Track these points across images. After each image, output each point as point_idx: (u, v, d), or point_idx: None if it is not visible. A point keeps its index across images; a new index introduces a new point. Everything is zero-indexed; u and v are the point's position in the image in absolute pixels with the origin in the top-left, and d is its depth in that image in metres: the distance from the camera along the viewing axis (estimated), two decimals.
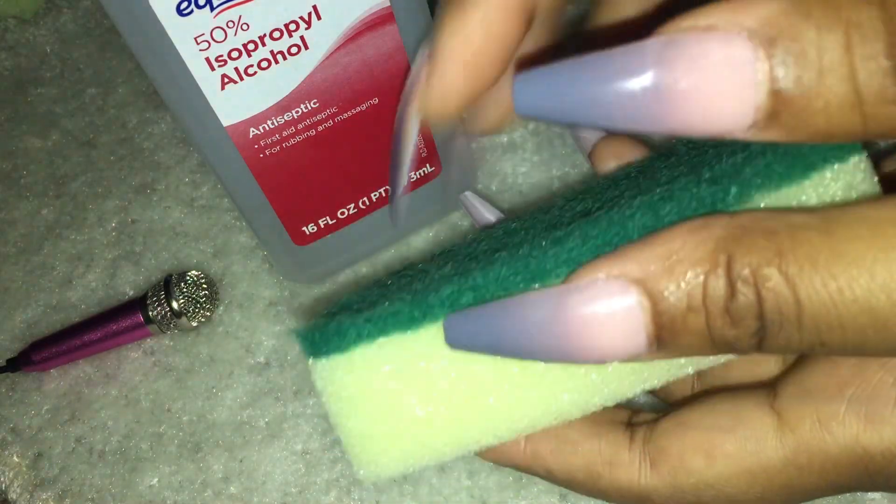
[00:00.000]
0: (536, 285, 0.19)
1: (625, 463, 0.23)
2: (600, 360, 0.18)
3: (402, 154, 0.23)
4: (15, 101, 0.49)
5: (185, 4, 0.25)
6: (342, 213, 0.35)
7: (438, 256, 0.25)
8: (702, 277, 0.17)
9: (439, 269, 0.22)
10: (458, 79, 0.21)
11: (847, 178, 0.19)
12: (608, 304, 0.17)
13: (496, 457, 0.24)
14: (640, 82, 0.16)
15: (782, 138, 0.16)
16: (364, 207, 0.35)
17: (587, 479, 0.23)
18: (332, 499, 0.33)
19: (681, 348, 0.18)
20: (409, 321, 0.21)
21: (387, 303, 0.21)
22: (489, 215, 0.33)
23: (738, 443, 0.21)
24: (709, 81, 0.15)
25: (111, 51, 0.49)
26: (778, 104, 0.15)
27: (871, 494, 0.29)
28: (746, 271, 0.16)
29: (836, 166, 0.19)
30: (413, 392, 0.21)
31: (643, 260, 0.17)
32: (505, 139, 0.41)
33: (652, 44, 0.16)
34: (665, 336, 0.17)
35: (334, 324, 0.21)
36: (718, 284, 0.17)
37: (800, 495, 0.21)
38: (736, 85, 0.15)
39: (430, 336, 0.20)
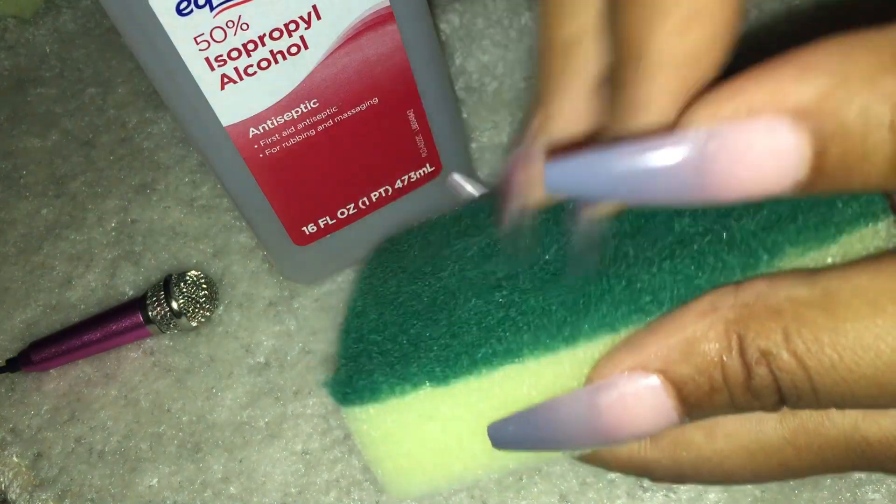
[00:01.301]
0: (561, 349, 0.21)
1: None
2: (636, 440, 0.20)
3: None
4: (14, 101, 0.49)
5: (184, 4, 0.25)
6: (342, 213, 0.34)
7: (451, 257, 0.26)
8: (718, 361, 0.18)
9: (464, 304, 0.23)
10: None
11: (874, 241, 0.20)
12: (636, 397, 0.19)
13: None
14: (684, 172, 0.16)
15: (807, 194, 0.17)
16: (364, 207, 0.35)
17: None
18: (332, 499, 0.33)
19: (708, 415, 0.20)
20: (442, 379, 0.22)
21: (417, 364, 0.22)
22: (475, 193, 0.34)
23: (739, 422, 0.22)
24: (753, 170, 0.16)
25: (111, 51, 0.49)
26: (818, 176, 0.16)
27: (871, 494, 0.29)
28: (758, 354, 0.18)
29: (864, 230, 0.20)
30: (440, 432, 0.23)
31: (661, 349, 0.19)
32: (505, 139, 0.41)
33: (693, 136, 0.16)
34: (693, 411, 0.19)
35: (366, 380, 0.23)
36: (735, 365, 0.18)
37: (796, 473, 0.22)
38: (779, 169, 0.16)
39: (458, 388, 0.22)
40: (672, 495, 0.31)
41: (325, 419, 0.35)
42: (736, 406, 0.19)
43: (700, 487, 0.30)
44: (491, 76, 0.43)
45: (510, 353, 0.21)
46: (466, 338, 0.22)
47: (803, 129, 0.15)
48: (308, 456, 0.34)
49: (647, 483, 0.31)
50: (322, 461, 0.34)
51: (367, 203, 0.35)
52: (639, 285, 0.20)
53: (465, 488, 0.32)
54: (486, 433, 0.22)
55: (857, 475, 0.30)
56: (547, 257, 0.24)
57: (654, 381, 0.19)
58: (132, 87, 0.47)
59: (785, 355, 0.17)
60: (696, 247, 0.20)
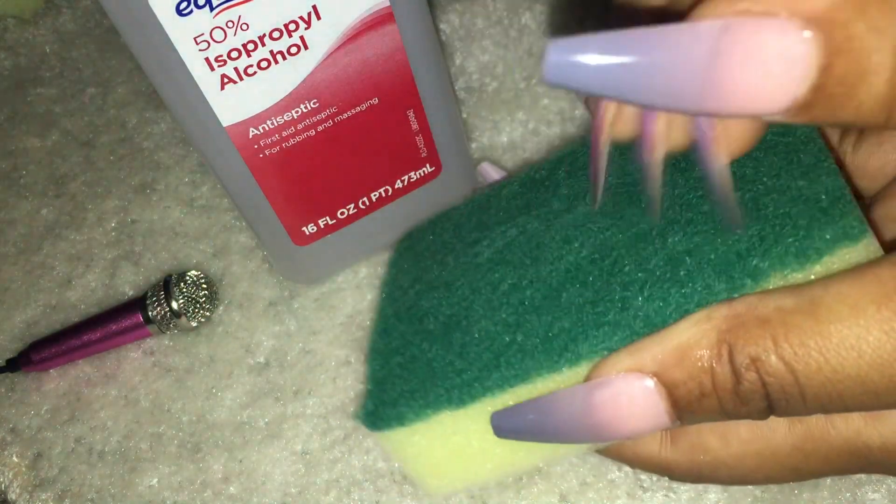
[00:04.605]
0: (564, 369, 0.22)
1: (647, 437, 0.25)
2: (629, 439, 0.21)
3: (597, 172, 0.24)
4: (14, 101, 0.49)
5: (184, 4, 0.25)
6: (342, 213, 0.34)
7: (459, 273, 0.28)
8: (708, 368, 0.19)
9: (475, 324, 0.26)
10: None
11: (854, 260, 0.20)
12: (630, 397, 0.20)
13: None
14: (691, 65, 0.16)
15: (805, 122, 0.16)
16: (364, 207, 0.35)
17: (614, 447, 0.26)
18: (331, 499, 0.33)
19: (700, 420, 0.20)
20: (459, 403, 0.24)
21: (435, 392, 0.25)
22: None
23: (751, 429, 0.23)
24: (761, 73, 0.15)
25: (111, 51, 0.49)
26: (817, 96, 0.15)
27: (871, 494, 0.29)
28: (747, 361, 0.19)
29: (843, 250, 0.20)
30: (464, 442, 0.25)
31: (657, 354, 0.20)
32: (505, 139, 0.41)
33: (708, 27, 0.15)
34: (684, 415, 0.20)
35: (391, 410, 0.25)
36: (724, 371, 0.19)
37: (804, 476, 0.23)
38: (785, 78, 0.15)
39: (475, 408, 0.24)
40: (672, 495, 0.31)
41: (325, 419, 0.35)
42: (725, 411, 0.20)
43: (700, 487, 0.30)
44: (491, 76, 0.43)
45: (518, 377, 0.23)
46: (478, 363, 0.24)
47: (814, 36, 0.15)
48: (308, 456, 0.34)
49: (646, 483, 0.31)
50: (322, 461, 0.34)
51: (367, 203, 0.35)
52: (632, 312, 0.22)
53: (464, 488, 0.32)
54: (503, 445, 0.24)
55: (857, 475, 0.30)
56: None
57: (649, 382, 0.20)
58: (132, 87, 0.47)
59: (773, 360, 0.18)
60: (683, 272, 0.21)
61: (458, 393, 0.24)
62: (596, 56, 0.16)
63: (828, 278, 0.19)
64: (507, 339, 0.24)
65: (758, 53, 0.15)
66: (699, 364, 0.19)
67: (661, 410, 0.20)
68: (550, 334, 0.23)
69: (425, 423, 0.25)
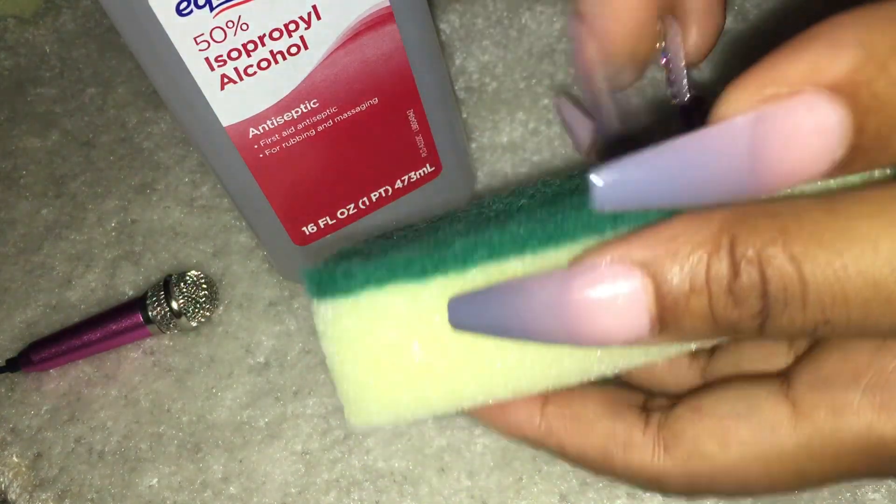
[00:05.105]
0: (551, 248, 0.20)
1: (639, 445, 0.23)
2: (603, 344, 0.18)
3: (599, 95, 0.24)
4: (14, 101, 0.49)
5: (184, 4, 0.25)
6: (342, 213, 0.34)
7: (440, 219, 0.25)
8: (705, 259, 0.17)
9: (450, 226, 0.22)
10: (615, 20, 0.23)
11: None
12: (612, 288, 0.18)
13: (510, 430, 0.25)
14: (735, 161, 0.16)
15: (840, 175, 0.17)
16: (364, 207, 0.35)
17: (600, 458, 0.24)
18: (331, 499, 0.33)
19: (683, 331, 0.18)
20: (421, 272, 0.21)
21: (398, 251, 0.21)
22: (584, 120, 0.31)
23: (753, 429, 0.22)
24: (800, 150, 0.16)
25: (111, 51, 0.49)
26: (854, 154, 0.16)
27: (871, 494, 0.29)
28: (751, 252, 0.17)
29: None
30: (414, 341, 0.21)
31: (647, 244, 0.18)
32: (505, 139, 0.41)
33: (742, 123, 0.16)
34: (668, 318, 0.18)
35: (343, 266, 0.21)
36: (722, 266, 0.17)
37: (811, 482, 0.22)
38: (823, 148, 0.16)
39: (438, 288, 0.21)
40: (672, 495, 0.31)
41: (325, 419, 0.35)
42: (714, 314, 0.17)
43: None
44: (491, 76, 0.43)
45: (490, 247, 0.20)
46: (448, 240, 0.21)
47: (842, 104, 0.15)
48: (308, 456, 0.34)
49: None
50: (322, 461, 0.34)
51: (367, 203, 0.35)
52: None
53: (465, 488, 0.32)
54: (459, 353, 0.21)
55: None
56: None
57: (635, 272, 0.18)
58: (132, 87, 0.47)
59: (779, 253, 0.16)
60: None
61: (420, 259, 0.21)
62: (642, 176, 0.17)
63: (847, 187, 0.17)
64: (486, 224, 0.21)
65: (795, 135, 0.16)
66: (694, 255, 0.17)
67: (643, 309, 0.18)
68: (534, 215, 0.21)
69: (376, 294, 0.21)
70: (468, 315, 0.20)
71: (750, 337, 0.18)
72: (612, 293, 0.18)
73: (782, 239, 0.16)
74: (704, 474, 0.22)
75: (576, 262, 0.18)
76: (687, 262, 0.17)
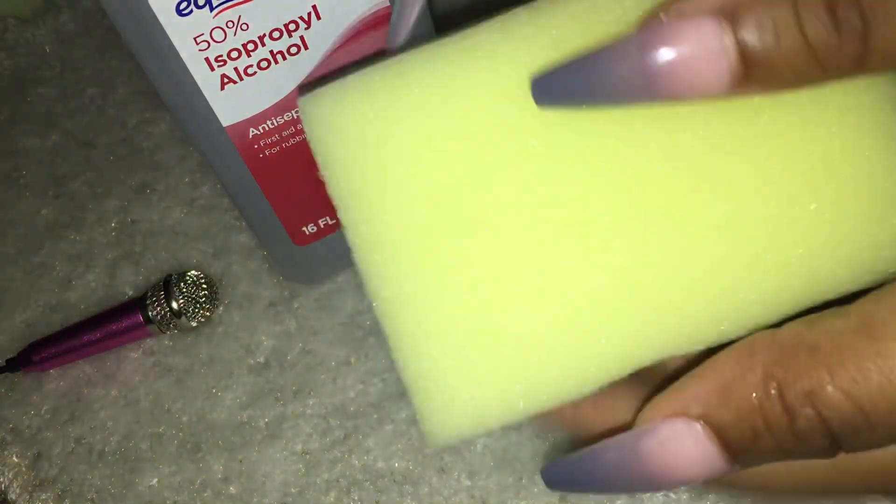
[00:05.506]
0: None
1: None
2: (686, 485, 0.20)
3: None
4: (15, 101, 0.49)
5: (184, 4, 0.25)
6: None
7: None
8: (758, 406, 0.18)
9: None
10: None
11: None
12: (679, 443, 0.19)
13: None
14: (632, 68, 0.18)
15: (760, 92, 0.18)
16: None
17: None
18: (331, 499, 0.33)
19: (761, 461, 0.19)
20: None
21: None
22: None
23: None
24: (688, 57, 0.17)
25: (111, 51, 0.49)
26: (748, 66, 0.17)
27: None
28: (801, 396, 0.17)
29: None
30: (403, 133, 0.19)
31: (700, 394, 0.19)
32: None
33: (637, 36, 0.18)
34: (742, 458, 0.19)
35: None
36: (776, 411, 0.18)
37: (837, 494, 0.22)
38: (711, 55, 0.17)
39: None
40: (672, 496, 0.31)
41: (325, 419, 0.35)
42: (785, 451, 0.18)
43: (700, 488, 0.30)
44: None
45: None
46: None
47: (722, 20, 0.17)
48: (308, 456, 0.34)
49: None
50: (322, 461, 0.34)
51: None
52: None
53: (465, 488, 0.32)
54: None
55: None
56: None
57: (696, 426, 0.19)
58: (132, 87, 0.47)
59: (830, 391, 0.17)
60: None
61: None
62: (564, 82, 0.19)
63: (876, 292, 0.18)
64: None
65: (680, 43, 0.18)
66: (747, 403, 0.18)
67: (715, 455, 0.19)
68: None
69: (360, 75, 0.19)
70: (559, 481, 0.22)
71: (830, 456, 0.19)
72: (681, 449, 0.19)
73: (829, 377, 0.17)
74: None
75: (639, 421, 0.20)
76: (742, 409, 0.18)
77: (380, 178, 0.19)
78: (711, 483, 0.22)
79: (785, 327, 0.18)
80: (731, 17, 0.17)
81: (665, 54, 0.17)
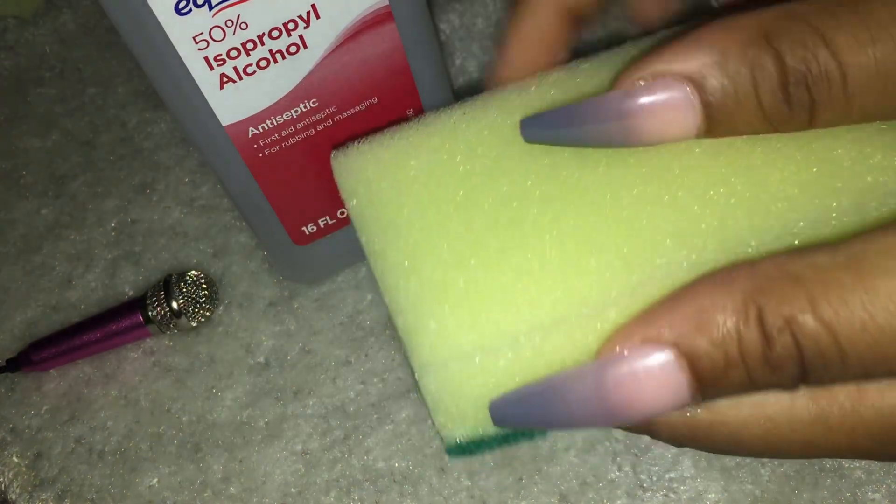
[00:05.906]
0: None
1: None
2: (648, 418, 0.19)
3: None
4: (14, 101, 0.49)
5: (183, 4, 0.25)
6: (342, 213, 0.34)
7: None
8: (735, 332, 0.17)
9: None
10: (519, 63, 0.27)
11: None
12: (648, 372, 0.18)
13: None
14: (611, 123, 0.21)
15: (722, 136, 0.20)
16: None
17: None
18: (331, 499, 0.33)
19: (724, 395, 0.19)
20: None
21: None
22: None
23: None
24: (660, 113, 0.20)
25: (111, 51, 0.49)
26: (713, 122, 0.20)
27: (871, 494, 0.29)
28: (781, 322, 0.17)
29: None
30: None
31: (673, 321, 0.18)
32: None
33: (613, 97, 0.20)
34: (707, 389, 0.18)
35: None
36: (753, 337, 0.17)
37: (817, 453, 0.21)
38: (680, 114, 0.20)
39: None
40: (672, 496, 0.31)
41: (325, 419, 0.35)
42: (754, 383, 0.18)
43: (700, 487, 0.30)
44: None
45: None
46: None
47: (691, 85, 0.20)
48: (308, 456, 0.34)
49: (647, 483, 0.31)
50: (322, 461, 0.34)
51: None
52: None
53: (465, 488, 0.32)
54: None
55: (857, 474, 0.30)
56: None
57: (667, 354, 0.18)
58: (132, 87, 0.47)
59: (811, 321, 0.17)
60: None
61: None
62: (549, 125, 0.23)
63: (867, 233, 0.17)
64: None
65: (654, 103, 0.20)
66: (723, 329, 0.17)
67: (683, 385, 0.18)
68: None
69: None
70: (510, 415, 0.21)
71: (792, 391, 0.19)
72: (650, 377, 0.18)
73: (811, 305, 0.17)
74: (703, 424, 0.21)
75: (605, 349, 0.19)
76: (718, 335, 0.18)
77: (398, 215, 0.24)
78: (679, 436, 0.21)
79: (767, 258, 0.18)
80: (698, 83, 0.20)
81: (642, 107, 0.20)
